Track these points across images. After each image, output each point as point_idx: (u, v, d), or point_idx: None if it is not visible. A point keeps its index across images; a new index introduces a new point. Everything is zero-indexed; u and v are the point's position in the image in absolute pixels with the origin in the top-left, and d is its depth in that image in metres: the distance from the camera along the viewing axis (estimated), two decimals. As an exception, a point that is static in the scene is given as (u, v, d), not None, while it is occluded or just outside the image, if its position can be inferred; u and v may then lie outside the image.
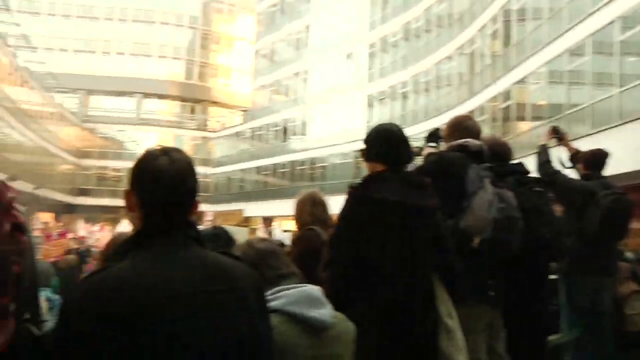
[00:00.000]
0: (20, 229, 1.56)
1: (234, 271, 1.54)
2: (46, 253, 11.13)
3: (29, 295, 1.76)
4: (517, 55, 20.75)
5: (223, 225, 16.37)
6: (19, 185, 33.32)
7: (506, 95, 21.62)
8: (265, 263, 2.11)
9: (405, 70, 30.65)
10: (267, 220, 38.90)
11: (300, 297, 2.02)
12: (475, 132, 3.46)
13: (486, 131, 22.11)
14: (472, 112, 24.20)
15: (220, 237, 3.69)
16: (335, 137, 34.63)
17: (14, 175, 32.28)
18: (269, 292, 1.94)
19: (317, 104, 36.65)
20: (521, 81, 20.31)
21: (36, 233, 20.45)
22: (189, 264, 1.46)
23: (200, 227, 1.71)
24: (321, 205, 3.93)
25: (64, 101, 46.20)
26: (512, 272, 3.30)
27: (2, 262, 1.50)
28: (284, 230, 22.54)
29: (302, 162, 37.67)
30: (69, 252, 11.17)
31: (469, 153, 3.27)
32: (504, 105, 21.86)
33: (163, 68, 51.93)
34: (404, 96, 31.21)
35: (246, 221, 48.83)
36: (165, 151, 1.54)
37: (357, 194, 2.77)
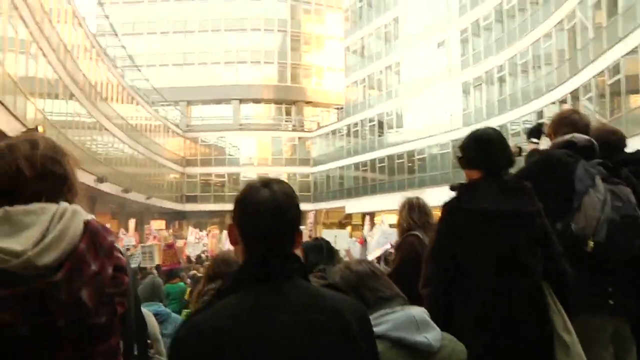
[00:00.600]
0: (122, 270, 1.60)
1: (339, 306, 1.53)
2: (162, 261, 11.49)
3: (135, 332, 1.81)
4: (624, 25, 19.35)
5: (324, 231, 16.41)
6: (133, 196, 35.46)
7: (615, 69, 20.23)
8: (365, 285, 2.07)
9: (500, 54, 29.51)
10: (370, 216, 38.97)
11: (406, 321, 1.95)
12: (582, 126, 3.20)
13: (592, 109, 20.88)
14: (575, 90, 22.94)
15: (321, 249, 3.70)
16: (431, 127, 34.04)
17: (128, 187, 34.37)
18: (373, 316, 1.87)
19: (411, 95, 36.13)
20: (632, 52, 18.92)
21: (150, 241, 21.65)
22: (293, 309, 1.46)
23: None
24: (418, 209, 3.86)
25: (167, 113, 48.60)
26: (635, 276, 3.01)
27: (108, 304, 1.53)
28: (390, 224, 22.29)
29: (400, 155, 37.30)
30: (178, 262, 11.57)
31: (577, 149, 3.03)
32: (612, 80, 20.48)
33: (257, 73, 53.28)
34: (501, 80, 30.07)
35: (348, 218, 49.24)
36: (266, 183, 1.57)
37: (450, 206, 2.70)
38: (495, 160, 2.67)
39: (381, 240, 13.80)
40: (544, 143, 3.40)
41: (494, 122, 29.15)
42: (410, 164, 36.50)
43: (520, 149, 3.41)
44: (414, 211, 3.87)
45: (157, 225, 43.77)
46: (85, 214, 1.57)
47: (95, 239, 1.52)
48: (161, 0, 54.23)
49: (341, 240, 12.50)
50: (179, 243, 23.99)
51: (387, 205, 38.60)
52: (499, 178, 2.66)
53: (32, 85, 18.89)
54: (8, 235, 1.42)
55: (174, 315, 5.22)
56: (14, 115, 15.51)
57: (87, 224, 1.53)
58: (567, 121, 3.24)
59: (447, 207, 2.71)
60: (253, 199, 1.54)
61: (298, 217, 1.57)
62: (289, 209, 1.54)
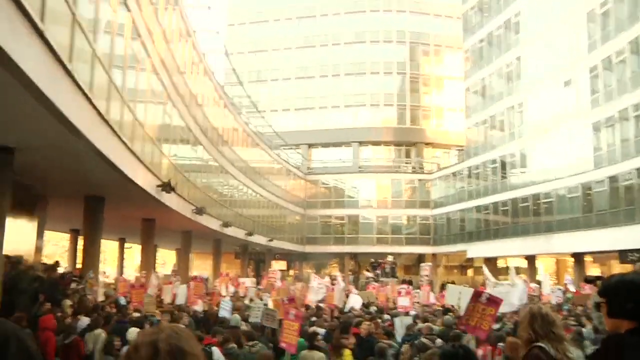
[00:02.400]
0: None
1: None
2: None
3: None
4: None
5: (449, 286, 15.82)
6: (256, 238, 36.63)
7: None
8: None
9: (637, 90, 27.53)
10: (491, 262, 37.44)
11: None
12: None
13: None
14: None
15: (456, 358, 3.65)
16: (558, 169, 32.31)
17: (251, 230, 35.60)
18: None
19: (536, 136, 34.61)
20: None
21: (273, 285, 22.10)
22: None
23: None
24: (541, 319, 3.62)
25: (288, 157, 50.17)
26: None
27: None
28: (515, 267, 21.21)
29: (524, 199, 35.65)
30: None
31: None
32: None
33: (376, 115, 53.83)
34: (638, 119, 27.96)
35: (469, 261, 47.65)
36: None
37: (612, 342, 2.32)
38: None
39: (507, 299, 13.13)
40: None
41: (630, 165, 27.14)
42: (535, 207, 34.73)
43: None
44: (536, 321, 3.63)
45: (279, 266, 45.01)
46: None
47: None
48: (284, 48, 56.73)
49: (466, 297, 12.01)
50: (298, 286, 24.31)
51: (511, 250, 37.21)
52: None
53: (166, 137, 20.31)
54: None
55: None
56: (151, 171, 16.70)
57: None
58: None
59: None
60: None
61: None
62: None
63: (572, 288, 23.71)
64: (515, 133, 37.34)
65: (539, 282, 25.59)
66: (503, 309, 13.15)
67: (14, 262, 15.09)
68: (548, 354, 3.37)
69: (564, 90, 32.56)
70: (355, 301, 17.35)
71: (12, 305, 12.44)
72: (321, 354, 8.33)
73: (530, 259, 36.59)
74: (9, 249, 15.47)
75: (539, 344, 3.50)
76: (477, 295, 8.11)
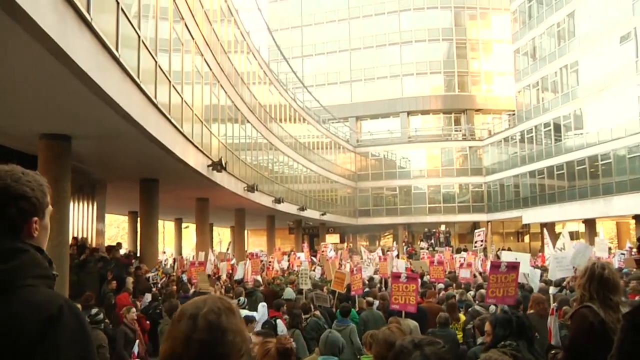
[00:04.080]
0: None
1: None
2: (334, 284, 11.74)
3: None
4: None
5: (504, 253, 15.65)
6: (308, 213, 37.00)
7: None
8: None
9: (697, 42, 26.20)
10: (548, 227, 36.68)
11: None
12: None
13: None
14: None
15: (510, 323, 3.71)
16: (616, 129, 31.19)
17: (303, 205, 35.94)
18: None
19: (591, 96, 33.40)
20: None
21: (326, 260, 22.36)
22: None
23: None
24: (599, 282, 3.50)
25: (337, 130, 50.14)
26: None
27: None
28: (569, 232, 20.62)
29: (581, 161, 34.60)
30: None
31: None
32: None
33: (424, 84, 53.00)
34: (700, 72, 26.61)
35: (525, 228, 46.82)
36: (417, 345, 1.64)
37: (635, 320, 2.21)
38: None
39: (564, 263, 12.91)
40: None
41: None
42: (592, 170, 33.68)
43: None
44: (593, 282, 3.52)
45: (332, 239, 45.37)
46: None
47: None
48: (327, 22, 56.31)
49: (522, 264, 11.88)
50: (354, 260, 24.51)
51: (568, 215, 36.29)
52: None
53: (215, 117, 20.64)
54: None
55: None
56: (202, 151, 17.05)
57: None
58: None
59: (631, 319, 2.21)
60: None
61: None
62: None
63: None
64: (570, 94, 36.15)
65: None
66: (562, 273, 12.96)
67: (80, 244, 15.83)
68: (597, 315, 3.30)
69: (620, 46, 31.22)
70: (401, 267, 17.35)
71: (81, 285, 13.10)
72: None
73: (589, 222, 35.65)
74: (73, 232, 16.20)
75: (589, 304, 3.42)
76: (496, 267, 8.44)
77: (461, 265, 19.84)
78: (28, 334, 1.49)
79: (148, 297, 12.22)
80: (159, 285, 14.79)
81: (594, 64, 33.43)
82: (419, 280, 10.67)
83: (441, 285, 14.58)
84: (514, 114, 45.58)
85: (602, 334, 3.28)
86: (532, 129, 40.53)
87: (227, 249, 27.16)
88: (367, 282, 15.27)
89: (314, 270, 18.47)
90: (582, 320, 3.41)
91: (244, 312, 8.24)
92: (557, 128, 37.61)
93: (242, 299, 11.24)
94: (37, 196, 1.66)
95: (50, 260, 1.70)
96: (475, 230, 23.88)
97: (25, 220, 1.64)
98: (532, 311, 8.53)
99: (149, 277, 15.23)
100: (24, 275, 1.58)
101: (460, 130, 52.22)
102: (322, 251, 26.03)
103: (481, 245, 21.79)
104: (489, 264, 23.30)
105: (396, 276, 9.33)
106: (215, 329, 1.63)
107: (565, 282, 12.97)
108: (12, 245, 1.59)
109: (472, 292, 13.00)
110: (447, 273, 18.34)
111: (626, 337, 2.21)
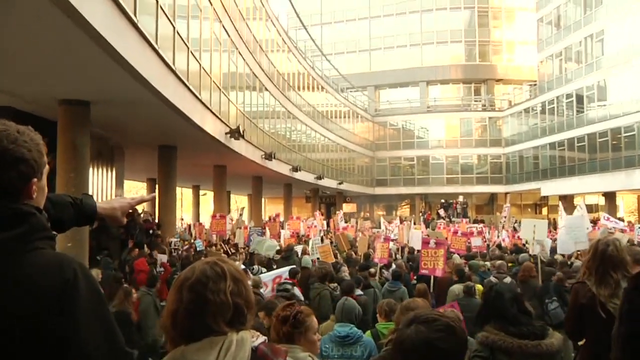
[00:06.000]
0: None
1: None
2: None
3: None
4: None
5: (523, 220, 15.59)
6: (325, 182, 37.05)
7: None
8: None
9: None
10: (567, 199, 36.36)
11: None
12: None
13: None
14: None
15: None
16: (641, 101, 30.58)
17: (321, 174, 35.97)
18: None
19: (617, 66, 32.66)
20: None
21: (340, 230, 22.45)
22: None
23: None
24: (601, 259, 3.44)
25: (355, 99, 49.77)
26: None
27: None
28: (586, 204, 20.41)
29: (603, 133, 34.03)
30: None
31: None
32: None
33: (443, 53, 52.19)
34: None
35: (543, 200, 46.46)
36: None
37: (638, 282, 2.14)
38: None
39: (572, 235, 12.85)
40: None
41: None
42: (615, 142, 33.14)
43: None
44: (595, 259, 3.47)
45: (349, 208, 45.47)
46: (252, 339, 1.67)
47: None
48: (346, -12, 55.43)
49: (540, 231, 11.90)
50: (366, 224, 24.54)
51: (588, 187, 35.91)
52: None
53: (233, 84, 20.59)
54: None
55: (365, 337, 5.21)
56: (220, 119, 17.05)
57: (254, 350, 1.65)
58: None
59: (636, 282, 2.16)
60: None
61: None
62: None
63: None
64: (594, 64, 35.39)
65: (619, 219, 24.63)
66: (578, 246, 12.91)
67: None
68: (589, 291, 3.30)
69: (647, 16, 30.39)
70: (416, 237, 17.33)
71: (100, 249, 13.31)
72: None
73: (610, 195, 35.26)
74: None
75: (584, 280, 3.40)
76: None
77: (472, 233, 19.83)
78: (45, 301, 1.46)
79: (163, 257, 12.43)
80: (180, 252, 14.98)
81: (621, 33, 32.60)
82: (446, 245, 11.12)
83: (457, 256, 14.57)
84: (535, 85, 44.86)
85: (592, 308, 3.35)
86: (553, 99, 39.89)
87: (240, 214, 27.25)
88: (393, 254, 15.29)
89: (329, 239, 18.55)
90: (574, 296, 3.55)
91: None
92: (580, 99, 36.95)
93: (256, 266, 11.44)
94: (35, 157, 1.59)
95: (49, 221, 1.67)
96: (504, 206, 23.82)
97: (25, 183, 1.58)
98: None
99: (171, 242, 15.46)
100: (33, 238, 1.54)
101: (480, 101, 51.57)
102: (334, 221, 26.12)
103: (506, 220, 21.86)
104: (504, 234, 23.33)
105: (425, 242, 9.77)
106: (199, 300, 1.63)
107: (573, 258, 12.95)
108: (18, 209, 1.54)
109: (487, 264, 13.00)
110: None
111: (629, 299, 2.15)
